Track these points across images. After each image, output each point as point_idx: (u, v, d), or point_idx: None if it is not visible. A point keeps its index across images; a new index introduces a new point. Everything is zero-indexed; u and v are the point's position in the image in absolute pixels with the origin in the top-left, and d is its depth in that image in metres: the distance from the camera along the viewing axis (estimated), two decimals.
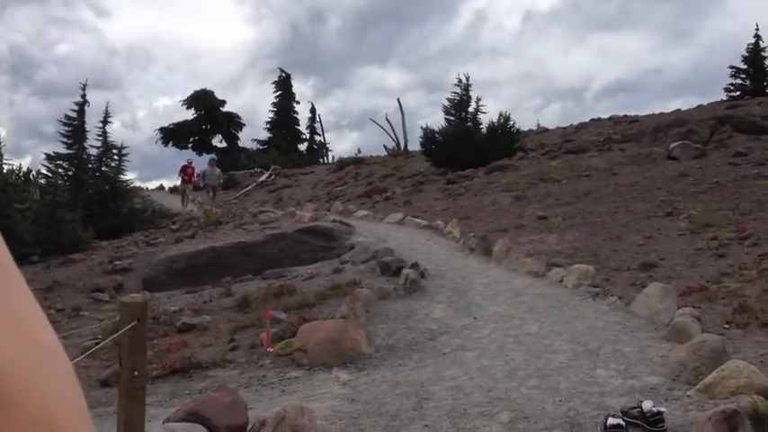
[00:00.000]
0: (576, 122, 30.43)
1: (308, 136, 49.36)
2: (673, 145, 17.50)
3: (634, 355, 5.34)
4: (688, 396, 4.35)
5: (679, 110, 27.23)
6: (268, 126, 48.83)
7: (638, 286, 7.55)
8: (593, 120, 30.05)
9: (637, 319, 6.44)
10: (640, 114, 28.26)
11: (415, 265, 8.74)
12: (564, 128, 29.80)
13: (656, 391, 4.49)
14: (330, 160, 40.96)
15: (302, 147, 48.78)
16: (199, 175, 24.84)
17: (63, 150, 21.31)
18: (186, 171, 24.58)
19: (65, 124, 21.38)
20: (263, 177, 31.39)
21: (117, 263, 13.38)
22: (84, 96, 21.79)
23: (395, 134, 36.69)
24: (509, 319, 6.94)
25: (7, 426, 0.40)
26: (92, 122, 22.13)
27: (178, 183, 26.36)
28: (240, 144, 48.05)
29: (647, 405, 3.92)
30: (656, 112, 28.01)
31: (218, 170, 23.85)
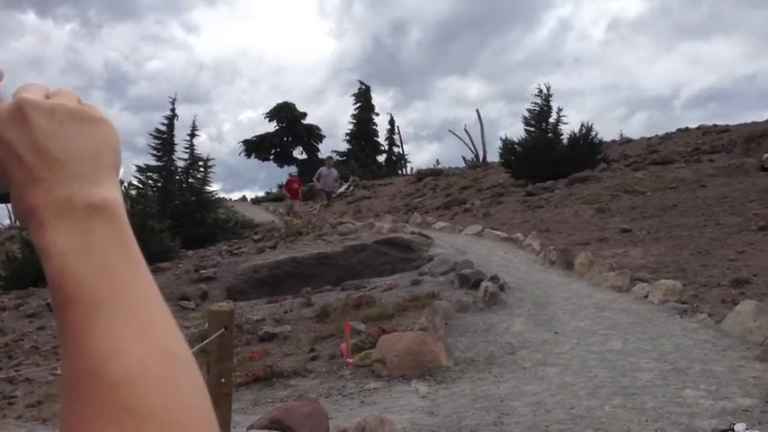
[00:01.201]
0: (662, 132, 29.51)
1: (386, 147, 49.76)
2: (766, 156, 16.71)
3: (725, 376, 5.12)
4: None
5: None
6: (347, 138, 49.53)
7: (730, 303, 7.24)
8: (679, 130, 29.09)
9: (728, 338, 6.18)
10: (733, 123, 27.12)
11: (494, 278, 8.66)
12: (649, 138, 28.95)
13: (748, 414, 4.30)
14: (408, 171, 41.12)
15: (381, 158, 49.22)
16: (301, 190, 23.46)
17: (153, 162, 22.21)
18: (291, 186, 23.35)
19: (155, 137, 22.28)
20: (342, 189, 31.75)
21: (202, 272, 13.80)
22: (173, 110, 22.68)
23: (473, 145, 36.52)
24: (592, 334, 6.78)
25: None
26: (180, 135, 23.01)
27: (287, 198, 24.76)
28: (320, 156, 48.85)
29: (740, 428, 3.76)
30: (749, 121, 26.82)
31: (335, 172, 20.48)
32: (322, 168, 19.97)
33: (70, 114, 0.51)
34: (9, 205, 0.52)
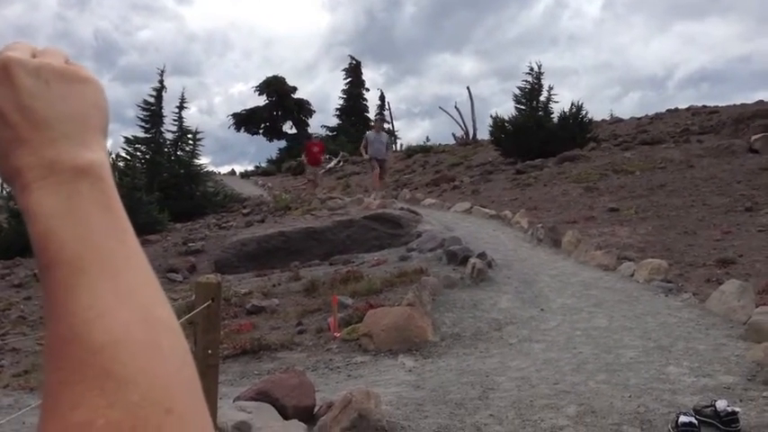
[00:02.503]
0: (653, 113, 29.55)
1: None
2: (754, 137, 16.77)
3: (708, 354, 5.18)
4: (764, 397, 4.20)
5: (762, 101, 26.12)
6: (337, 113, 49.28)
7: (714, 283, 7.31)
8: (669, 110, 29.15)
9: (712, 317, 6.25)
10: (723, 105, 27.19)
11: (482, 255, 8.69)
12: (638, 118, 28.99)
13: (730, 391, 4.36)
14: (399, 148, 41.05)
15: None
16: (323, 157, 20.95)
17: (141, 134, 22.05)
18: (311, 151, 19.95)
19: (143, 109, 22.13)
20: (332, 164, 31.68)
21: (190, 245, 13.78)
22: (161, 82, 22.50)
23: (464, 123, 36.43)
24: (577, 312, 6.84)
25: (117, 402, 0.40)
26: (169, 107, 22.84)
27: (304, 161, 21.09)
28: (310, 130, 48.64)
29: (722, 404, 3.81)
30: (739, 102, 26.89)
31: (385, 136, 16.92)
32: (369, 133, 16.51)
33: (57, 74, 0.50)
34: None
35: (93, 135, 0.50)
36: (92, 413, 0.39)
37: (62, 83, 0.50)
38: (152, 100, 22.33)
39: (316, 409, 4.35)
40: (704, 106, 27.92)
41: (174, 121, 22.69)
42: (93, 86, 0.53)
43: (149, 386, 0.41)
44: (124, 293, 0.44)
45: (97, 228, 0.46)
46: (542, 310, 7.02)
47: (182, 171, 22.05)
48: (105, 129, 0.53)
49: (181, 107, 22.69)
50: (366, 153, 16.19)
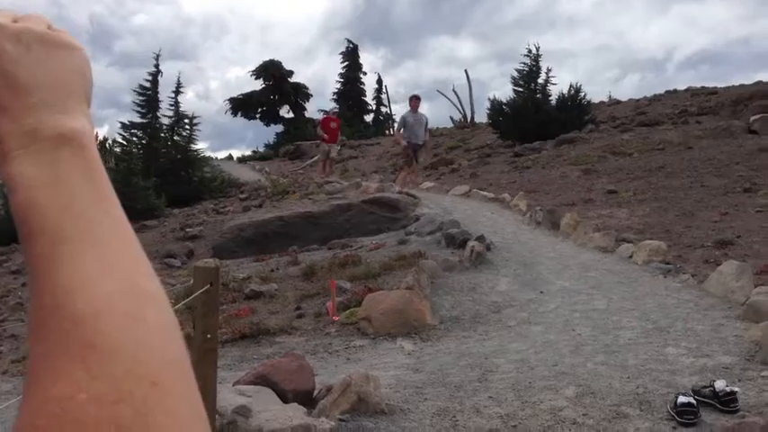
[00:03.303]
0: (651, 94, 29.47)
1: (374, 107, 49.43)
2: (753, 118, 16.74)
3: (706, 334, 5.19)
4: (762, 376, 4.21)
5: (760, 81, 26.03)
6: (335, 97, 49.11)
7: (713, 264, 7.32)
8: (668, 92, 29.06)
9: (710, 298, 6.26)
10: (721, 86, 27.11)
11: (480, 238, 8.68)
12: (637, 100, 28.90)
13: (729, 371, 4.37)
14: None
15: (368, 118, 48.88)
16: (340, 133, 18.85)
17: (137, 120, 21.97)
18: (328, 125, 18.51)
19: (139, 94, 22.03)
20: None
21: (188, 230, 13.77)
22: (157, 67, 22.41)
23: (462, 106, 36.32)
24: (576, 294, 6.85)
25: (100, 374, 0.39)
26: (165, 92, 22.77)
27: (319, 141, 19.44)
28: (307, 115, 48.48)
29: (720, 384, 3.82)
30: (737, 83, 26.82)
31: (425, 117, 14.65)
32: (405, 113, 14.29)
33: (39, 39, 0.49)
34: None
35: (76, 102, 0.49)
36: (74, 386, 0.38)
37: (44, 48, 0.49)
38: (148, 85, 22.23)
39: (315, 393, 4.36)
40: (703, 87, 27.82)
41: (171, 106, 22.62)
42: (77, 53, 0.51)
43: (133, 358, 0.40)
44: (108, 264, 0.43)
45: (80, 197, 0.45)
46: (541, 292, 7.02)
47: (178, 156, 21.99)
48: (89, 96, 0.52)
49: (177, 92, 22.60)
50: (402, 139, 13.96)
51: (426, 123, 14.42)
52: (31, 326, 0.42)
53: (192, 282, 3.50)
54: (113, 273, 0.43)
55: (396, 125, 14.55)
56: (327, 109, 20.04)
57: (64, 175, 0.45)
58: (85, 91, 0.51)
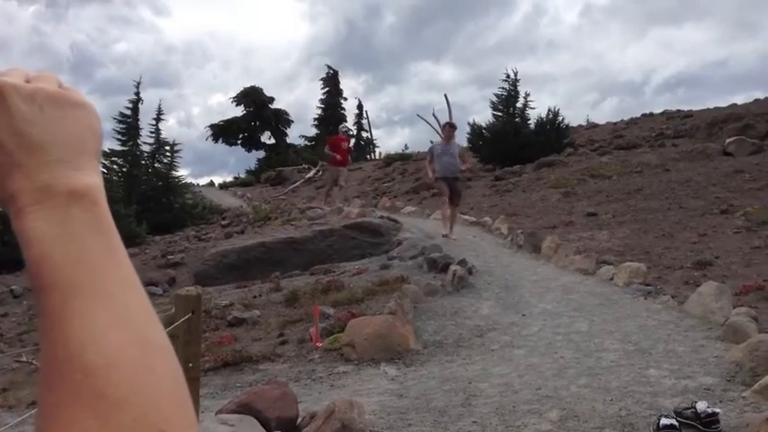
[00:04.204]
0: (628, 118, 29.89)
1: (355, 132, 49.59)
2: (728, 140, 17.02)
3: (687, 355, 5.23)
4: (743, 397, 4.25)
5: (735, 104, 26.52)
6: (316, 123, 49.25)
7: (692, 285, 7.39)
8: (644, 115, 29.52)
9: (690, 319, 6.31)
10: (696, 109, 27.57)
11: (462, 262, 8.71)
12: (614, 123, 29.32)
13: (710, 392, 4.40)
14: (377, 156, 41.09)
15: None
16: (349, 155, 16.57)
17: (117, 147, 21.90)
18: (339, 145, 16.05)
19: (119, 122, 22.02)
20: (311, 174, 31.65)
21: (170, 257, 13.69)
22: (137, 94, 22.41)
23: (442, 130, 36.55)
24: (558, 316, 6.88)
25: (110, 424, 0.40)
26: (146, 119, 22.74)
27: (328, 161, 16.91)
28: (288, 141, 48.54)
29: (702, 406, 3.85)
30: (713, 106, 27.29)
31: (457, 146, 12.34)
32: (435, 144, 12.38)
33: (51, 99, 0.51)
34: None
35: (88, 159, 0.51)
36: None
37: (56, 107, 0.51)
38: (128, 112, 22.21)
39: (299, 421, 4.33)
40: (678, 111, 28.30)
41: (152, 133, 22.60)
42: (87, 110, 0.53)
43: (142, 407, 0.41)
44: (118, 316, 0.45)
45: (91, 252, 0.47)
46: (523, 315, 7.05)
47: (159, 183, 21.93)
48: (99, 152, 0.54)
49: (158, 119, 22.62)
50: (431, 172, 11.93)
51: (460, 155, 12.11)
52: (42, 376, 0.43)
53: (173, 310, 3.49)
54: (123, 325, 0.44)
55: (427, 155, 12.25)
56: (340, 126, 17.02)
57: (76, 230, 0.47)
58: (96, 147, 0.53)
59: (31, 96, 0.50)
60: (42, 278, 0.45)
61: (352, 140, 44.68)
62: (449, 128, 12.39)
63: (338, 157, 15.91)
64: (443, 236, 11.29)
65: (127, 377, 0.42)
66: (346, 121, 49.25)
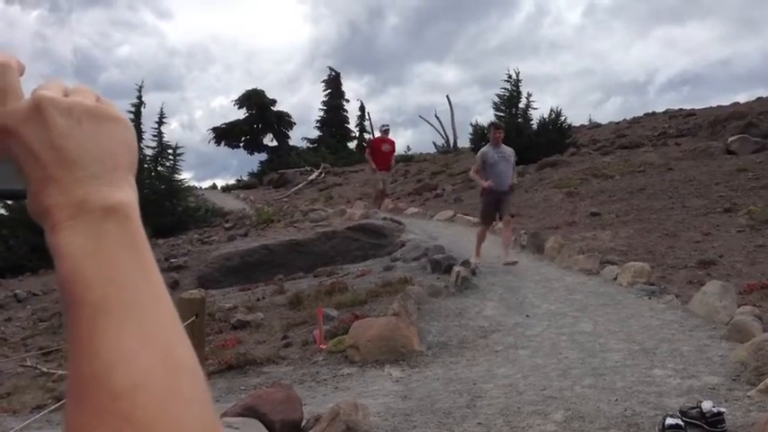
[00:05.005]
0: (631, 117, 29.87)
1: (357, 134, 49.63)
2: (731, 139, 16.99)
3: (692, 355, 5.22)
4: (749, 396, 4.24)
5: (737, 102, 26.48)
6: (318, 125, 49.29)
7: (696, 284, 7.37)
8: (647, 114, 29.48)
9: (695, 318, 6.30)
10: (702, 107, 27.53)
11: (466, 263, 8.71)
12: (617, 123, 29.29)
13: (715, 392, 4.39)
14: None
15: (352, 145, 49.03)
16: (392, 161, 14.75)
17: None
18: (379, 147, 14.36)
19: None
20: (313, 176, 31.66)
21: (173, 260, 13.68)
22: (140, 98, 22.44)
23: (444, 131, 36.59)
24: (562, 317, 6.87)
25: None
26: (148, 123, 22.76)
27: (366, 169, 15.30)
28: (291, 143, 48.56)
29: (707, 405, 3.84)
30: (716, 105, 27.28)
31: (510, 152, 10.05)
32: (485, 149, 9.99)
33: (88, 113, 0.51)
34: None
35: (122, 174, 0.51)
36: None
37: (93, 122, 0.51)
38: (131, 116, 22.23)
39: (303, 423, 4.33)
40: (681, 109, 28.26)
41: (154, 136, 22.62)
42: (123, 125, 0.53)
43: (166, 430, 0.41)
44: (148, 337, 0.44)
45: (124, 269, 0.46)
46: (527, 316, 7.04)
47: (162, 187, 21.93)
48: (134, 168, 0.53)
49: (160, 122, 22.64)
50: (482, 180, 9.83)
51: (514, 163, 10.07)
52: (69, 395, 0.43)
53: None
54: (153, 346, 0.44)
55: (476, 162, 9.99)
56: (382, 126, 14.70)
57: (109, 247, 0.47)
58: (130, 163, 0.53)
59: (69, 110, 0.50)
60: (74, 294, 0.45)
61: (354, 142, 44.14)
62: (494, 129, 10.15)
63: (373, 164, 14.44)
64: (508, 261, 9.44)
65: (154, 400, 0.42)
66: (348, 123, 49.39)
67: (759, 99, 25.97)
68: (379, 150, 14.28)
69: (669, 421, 3.75)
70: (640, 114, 29.86)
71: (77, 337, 0.44)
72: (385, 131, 14.24)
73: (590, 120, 33.09)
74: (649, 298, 7.23)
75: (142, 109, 22.59)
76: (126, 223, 0.48)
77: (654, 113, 29.23)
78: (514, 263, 9.39)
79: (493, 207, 9.81)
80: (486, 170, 9.72)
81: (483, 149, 10.02)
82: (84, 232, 0.46)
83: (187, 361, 0.46)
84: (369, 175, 14.95)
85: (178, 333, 0.47)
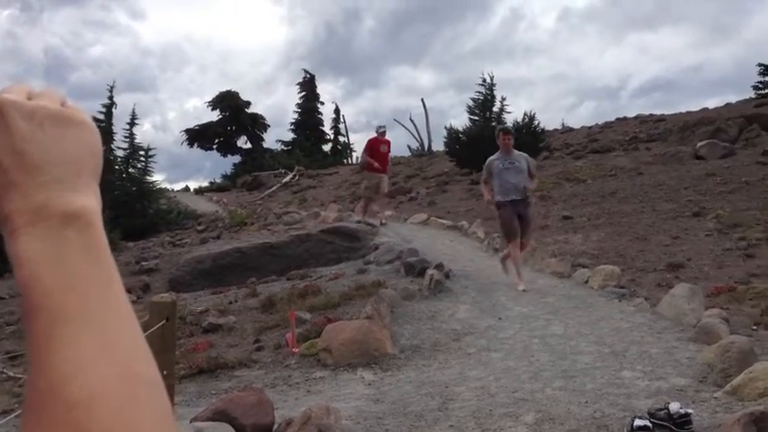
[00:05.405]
0: (602, 122, 30.20)
1: (331, 136, 49.54)
2: (700, 144, 17.28)
3: (661, 357, 5.29)
4: (716, 398, 4.30)
5: (706, 108, 26.92)
6: (292, 127, 49.12)
7: (665, 287, 7.48)
8: (618, 119, 29.83)
9: (663, 321, 6.38)
10: (672, 113, 27.93)
11: (439, 266, 8.73)
12: (589, 127, 29.60)
13: (683, 393, 4.45)
14: (354, 161, 41.08)
15: (326, 147, 48.93)
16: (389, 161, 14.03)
17: None
18: (377, 148, 13.69)
19: None
20: (288, 178, 31.55)
21: (144, 263, 13.55)
22: (111, 98, 22.21)
23: (419, 134, 36.69)
24: (534, 319, 6.92)
25: None
26: (120, 124, 22.53)
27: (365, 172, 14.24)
28: (265, 145, 48.32)
29: (675, 407, 3.89)
30: (684, 110, 27.71)
31: (524, 158, 8.89)
32: (492, 158, 8.89)
33: (51, 117, 0.50)
34: None
35: (85, 180, 0.50)
36: None
37: (57, 126, 0.50)
38: (101, 117, 21.99)
39: (275, 427, 4.30)
40: (651, 115, 28.65)
41: (126, 137, 22.39)
42: (88, 130, 0.52)
43: None
44: (105, 346, 0.43)
45: (83, 276, 0.45)
46: (500, 318, 7.08)
47: (133, 189, 21.73)
48: (98, 173, 0.52)
49: (132, 123, 22.44)
50: (489, 193, 8.88)
51: (530, 168, 8.76)
52: (26, 405, 0.42)
53: (147, 317, 3.46)
54: (111, 356, 0.43)
55: (484, 171, 9.01)
56: (379, 128, 14.05)
57: (69, 254, 0.46)
58: (95, 168, 0.52)
59: (32, 114, 0.49)
60: (32, 301, 0.44)
61: (328, 145, 43.94)
62: (502, 135, 8.95)
63: (376, 164, 13.57)
64: (521, 290, 8.18)
65: (111, 412, 0.41)
66: (322, 126, 49.27)
67: (727, 105, 26.45)
68: (377, 151, 13.70)
69: (638, 423, 3.79)
70: (612, 119, 30.24)
71: (35, 345, 0.43)
72: (381, 133, 13.83)
73: (563, 124, 33.42)
74: (619, 301, 7.32)
75: (114, 110, 22.41)
76: (87, 230, 0.47)
77: (625, 118, 29.59)
78: (522, 290, 8.14)
79: (511, 221, 8.53)
80: (495, 178, 8.71)
81: (490, 158, 8.95)
82: (44, 238, 0.45)
83: (146, 371, 0.45)
84: (366, 182, 14.17)
85: (138, 343, 0.46)
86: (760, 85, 29.35)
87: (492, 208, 8.98)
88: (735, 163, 15.31)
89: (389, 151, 14.13)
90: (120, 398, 0.42)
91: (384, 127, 14.14)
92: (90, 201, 0.49)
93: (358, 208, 14.54)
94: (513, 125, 22.63)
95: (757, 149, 16.31)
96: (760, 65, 29.45)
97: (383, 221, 13.64)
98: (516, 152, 8.87)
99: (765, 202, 11.38)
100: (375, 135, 13.85)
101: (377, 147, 13.67)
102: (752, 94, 28.92)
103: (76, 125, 0.51)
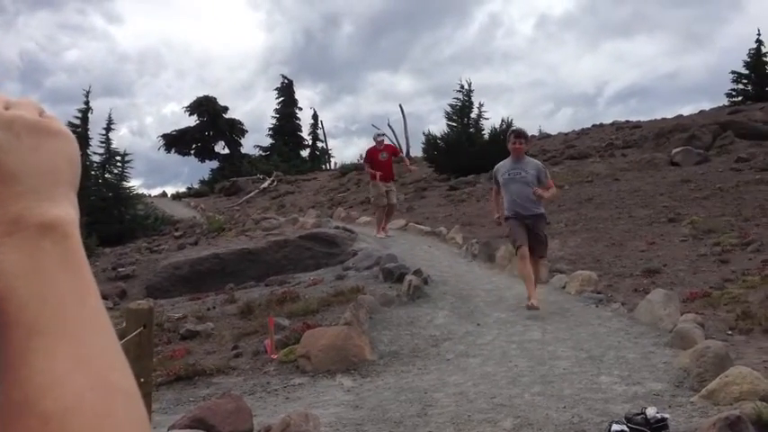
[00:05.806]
0: (579, 128, 30.47)
1: (310, 142, 49.48)
2: (675, 151, 17.50)
3: (637, 362, 5.34)
4: (692, 402, 4.35)
5: (681, 115, 27.28)
6: (270, 133, 49.00)
7: (641, 292, 7.56)
8: (594, 126, 30.09)
9: (640, 326, 6.45)
10: (648, 120, 28.26)
11: (418, 272, 8.74)
12: (566, 134, 29.83)
13: (659, 398, 4.50)
14: (333, 166, 41.06)
15: (305, 153, 48.87)
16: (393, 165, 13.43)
17: None
18: (376, 157, 13.19)
19: None
20: (266, 184, 31.44)
21: (120, 270, 13.42)
22: (87, 103, 22.00)
23: (397, 140, 36.74)
24: (512, 325, 6.95)
25: None
26: (96, 129, 22.32)
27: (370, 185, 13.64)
28: (243, 151, 48.15)
29: (651, 411, 3.93)
30: (659, 117, 28.06)
31: (535, 165, 7.94)
32: (500, 164, 8.11)
33: (29, 127, 0.49)
34: None
35: (63, 190, 0.49)
36: None
37: (34, 136, 0.49)
38: (77, 122, 21.77)
39: None
40: (627, 121, 28.94)
41: (102, 143, 22.19)
42: (66, 140, 0.52)
43: None
44: (81, 359, 0.43)
45: (59, 288, 0.45)
46: (478, 324, 7.10)
47: (110, 194, 21.53)
48: (76, 183, 0.52)
49: (108, 128, 22.25)
50: (497, 209, 8.14)
51: (541, 176, 7.78)
52: (1, 418, 0.41)
53: (124, 324, 3.42)
54: (85, 368, 0.43)
55: (493, 176, 8.33)
56: (377, 133, 13.67)
57: (45, 266, 0.45)
58: (72, 178, 0.51)
59: (9, 124, 0.48)
60: (6, 314, 0.43)
61: (306, 150, 43.76)
62: (513, 138, 7.94)
63: (379, 173, 12.95)
64: (529, 306, 7.25)
65: (86, 424, 0.40)
66: (301, 132, 49.16)
67: (702, 112, 26.82)
68: (377, 160, 13.13)
69: (615, 427, 3.82)
70: (589, 126, 30.51)
71: (9, 358, 0.42)
72: (380, 141, 13.34)
73: (540, 130, 33.64)
74: (597, 306, 7.38)
75: (90, 115, 22.18)
76: (64, 241, 0.47)
77: (602, 125, 29.87)
78: (535, 308, 7.23)
79: (517, 226, 7.65)
80: (503, 188, 7.86)
81: (498, 164, 8.12)
82: (19, 249, 0.45)
83: (123, 384, 0.44)
84: (372, 192, 13.53)
85: (115, 355, 0.46)
86: (733, 93, 29.89)
87: (503, 224, 8.06)
88: (709, 169, 15.52)
89: (392, 157, 13.60)
90: (96, 410, 0.41)
91: (383, 134, 13.86)
92: (67, 211, 0.48)
93: (377, 222, 13.79)
94: (491, 132, 22.79)
95: (731, 156, 16.55)
96: (733, 72, 30.00)
97: (388, 233, 13.29)
98: (528, 159, 8.01)
99: (739, 209, 11.54)
100: (373, 144, 13.45)
101: (376, 156, 13.20)
102: (725, 101, 29.46)
103: (54, 135, 0.51)
